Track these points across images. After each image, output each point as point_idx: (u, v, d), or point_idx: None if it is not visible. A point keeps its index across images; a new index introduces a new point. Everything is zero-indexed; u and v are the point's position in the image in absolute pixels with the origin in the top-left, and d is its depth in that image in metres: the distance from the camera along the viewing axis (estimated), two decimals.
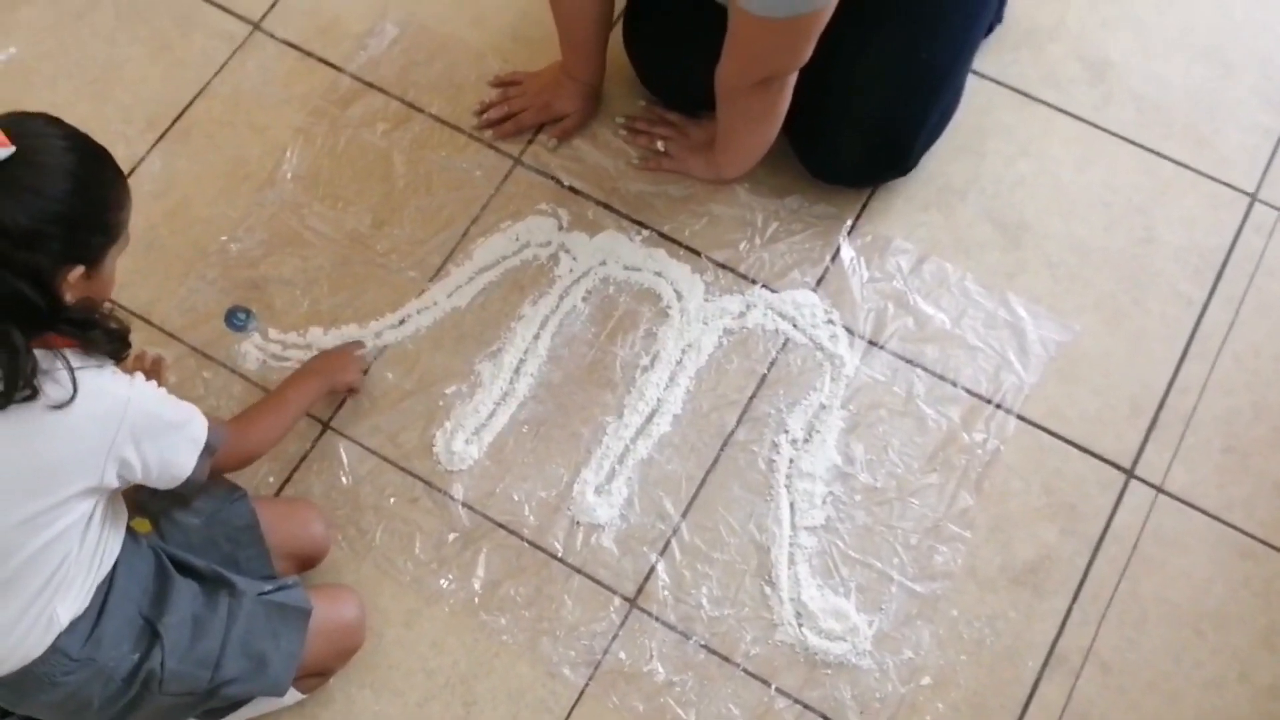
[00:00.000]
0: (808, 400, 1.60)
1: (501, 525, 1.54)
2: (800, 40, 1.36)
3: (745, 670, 1.46)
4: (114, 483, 1.15)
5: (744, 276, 1.68)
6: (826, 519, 1.53)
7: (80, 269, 1.09)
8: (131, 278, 1.68)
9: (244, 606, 1.29)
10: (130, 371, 1.18)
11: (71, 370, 1.08)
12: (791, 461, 1.56)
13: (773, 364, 1.63)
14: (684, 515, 1.54)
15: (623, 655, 1.47)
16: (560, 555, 1.52)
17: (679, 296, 1.67)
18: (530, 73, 1.79)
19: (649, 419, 1.59)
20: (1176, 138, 1.78)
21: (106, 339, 1.13)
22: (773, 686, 1.46)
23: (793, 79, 1.46)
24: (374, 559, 1.52)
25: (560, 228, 1.72)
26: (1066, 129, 1.78)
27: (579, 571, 1.52)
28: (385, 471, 1.57)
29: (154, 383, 1.18)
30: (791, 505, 1.54)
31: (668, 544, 1.53)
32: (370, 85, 1.82)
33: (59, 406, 1.07)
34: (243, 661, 1.28)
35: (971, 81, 1.77)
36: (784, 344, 1.64)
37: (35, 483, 1.10)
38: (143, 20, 1.89)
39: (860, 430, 1.58)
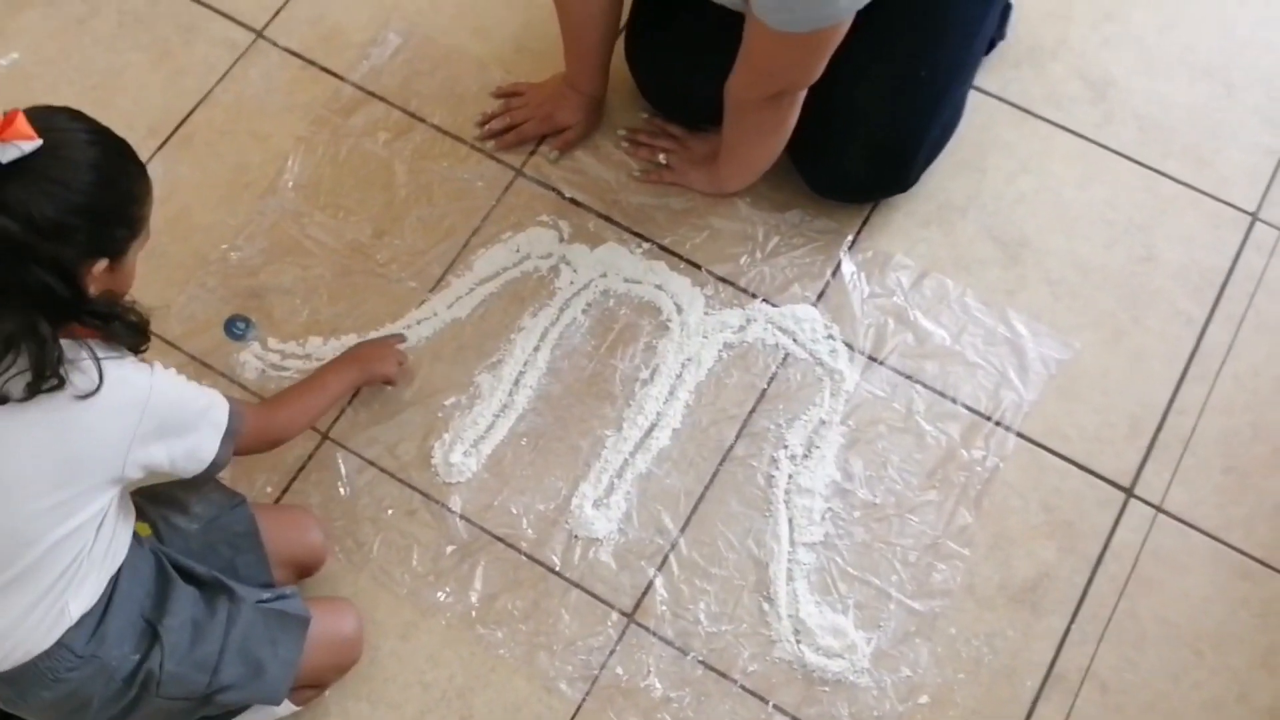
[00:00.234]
0: (807, 415, 1.60)
1: (499, 538, 1.54)
2: (817, 55, 1.36)
3: (743, 687, 1.46)
4: (136, 473, 1.16)
5: (744, 290, 1.68)
6: (825, 535, 1.53)
7: (104, 262, 1.10)
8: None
9: (243, 613, 1.29)
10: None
11: (97, 360, 1.10)
12: (790, 477, 1.56)
13: (772, 379, 1.63)
14: (682, 530, 1.54)
15: (620, 670, 1.47)
16: (558, 569, 1.52)
17: (679, 310, 1.67)
18: (533, 84, 1.79)
19: (648, 433, 1.59)
20: (1177, 156, 1.78)
21: (127, 331, 1.14)
22: (770, 703, 1.45)
23: (803, 94, 1.46)
24: (371, 571, 1.52)
25: (561, 239, 1.72)
26: (1068, 146, 1.79)
27: (577, 585, 1.51)
28: (383, 483, 1.57)
29: (172, 370, 1.19)
30: (790, 521, 1.53)
31: (666, 559, 1.52)
32: (372, 95, 1.82)
33: (85, 396, 1.09)
34: (241, 667, 1.28)
35: (973, 98, 1.77)
36: (784, 359, 1.64)
37: (61, 472, 1.11)
38: (145, 27, 1.89)
39: (860, 446, 1.58)
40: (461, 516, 1.55)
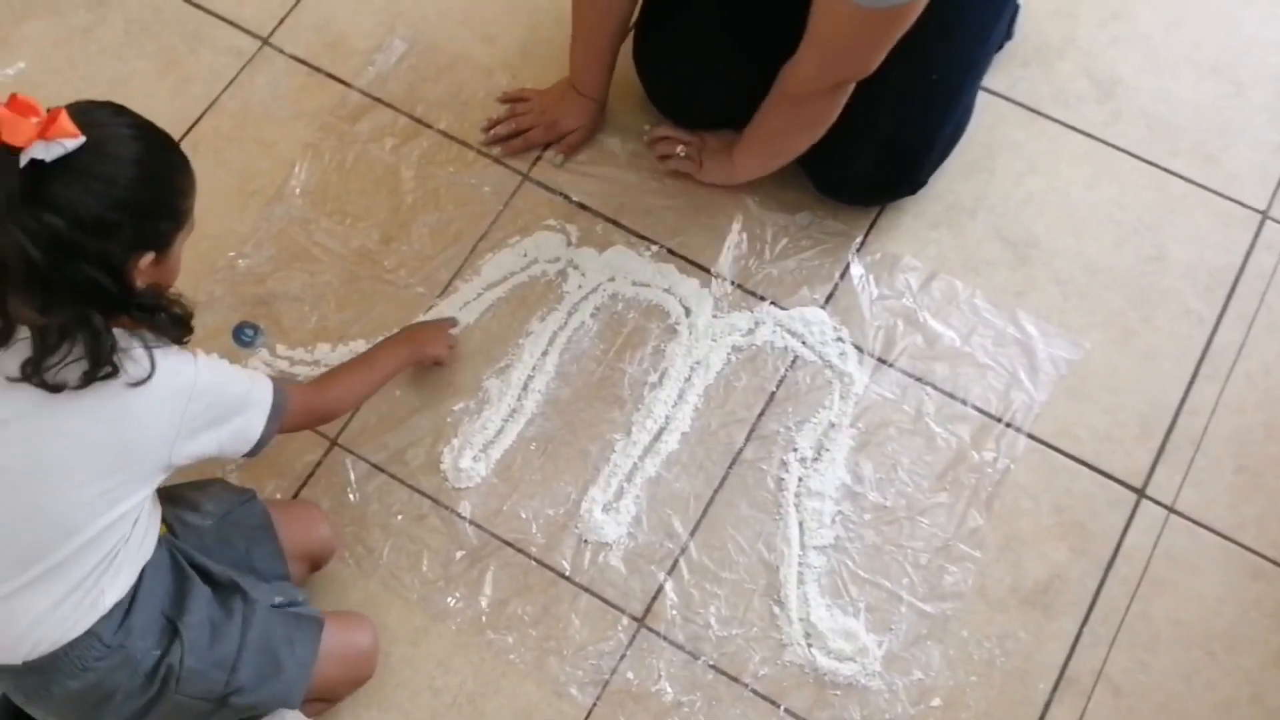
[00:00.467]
0: (817, 418, 1.59)
1: (509, 543, 1.53)
2: (891, 34, 1.34)
3: (754, 691, 1.45)
4: (184, 460, 1.18)
5: (753, 293, 1.68)
6: (835, 538, 1.52)
7: (150, 255, 1.11)
8: None
9: (258, 613, 1.29)
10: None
11: (149, 349, 1.12)
12: (800, 480, 1.55)
13: (781, 381, 1.62)
14: (692, 534, 1.53)
15: (630, 675, 1.46)
16: (568, 574, 1.52)
17: (688, 313, 1.66)
18: (537, 90, 1.79)
19: (657, 436, 1.59)
20: (1186, 155, 1.77)
21: (172, 323, 1.15)
22: (781, 707, 1.45)
23: (851, 87, 1.46)
24: (381, 576, 1.52)
25: (569, 243, 1.71)
26: (1076, 146, 1.78)
27: (586, 590, 1.51)
28: (392, 488, 1.57)
29: (214, 356, 1.20)
30: (800, 524, 1.53)
31: (676, 563, 1.52)
32: (379, 101, 1.82)
33: (138, 384, 1.11)
34: (258, 667, 1.28)
35: (981, 98, 1.76)
36: (793, 361, 1.63)
37: (111, 459, 1.13)
38: (151, 35, 1.89)
39: (869, 449, 1.58)
40: (471, 522, 1.55)
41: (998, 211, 1.73)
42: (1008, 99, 1.81)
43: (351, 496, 1.56)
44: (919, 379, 1.62)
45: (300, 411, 1.32)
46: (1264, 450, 1.58)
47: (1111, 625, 1.49)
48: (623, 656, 1.47)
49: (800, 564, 1.51)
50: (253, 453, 1.26)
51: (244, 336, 1.65)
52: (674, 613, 1.49)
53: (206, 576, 1.29)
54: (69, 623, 1.16)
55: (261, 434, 1.25)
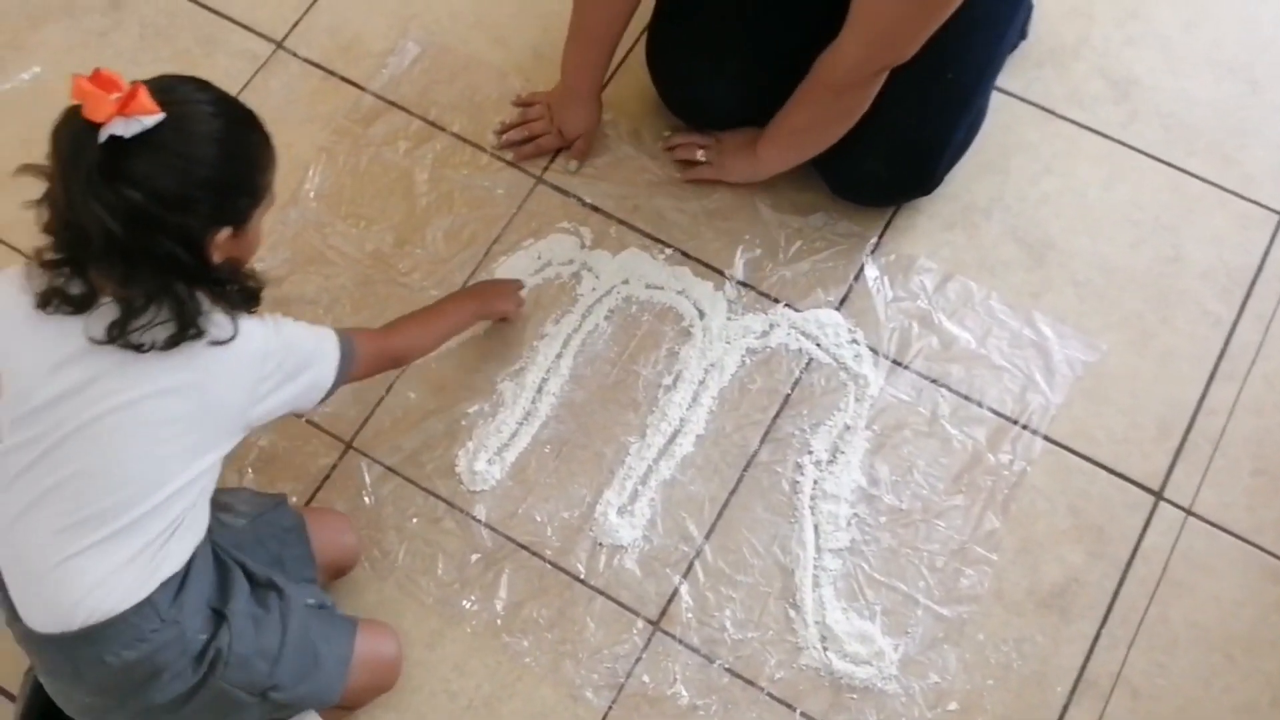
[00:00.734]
0: (832, 421, 1.59)
1: (524, 546, 1.53)
2: (938, 18, 1.34)
3: (770, 694, 1.45)
4: (259, 417, 1.21)
5: (767, 295, 1.67)
6: (851, 541, 1.52)
7: (228, 230, 1.12)
8: None
9: (294, 610, 1.30)
10: None
11: (230, 311, 1.15)
12: (816, 483, 1.55)
13: (796, 384, 1.62)
14: (707, 537, 1.53)
15: (646, 678, 1.46)
16: (583, 577, 1.52)
17: (702, 315, 1.66)
18: (547, 93, 1.78)
19: (672, 439, 1.59)
20: (1203, 155, 1.76)
21: (244, 297, 1.17)
22: (797, 711, 1.44)
23: (884, 76, 1.46)
24: (396, 579, 1.52)
25: (583, 246, 1.71)
26: (1092, 146, 1.77)
27: (602, 593, 1.51)
28: (407, 491, 1.57)
29: (279, 315, 1.23)
30: (816, 527, 1.53)
31: (691, 566, 1.52)
32: (392, 104, 1.82)
33: (222, 343, 1.13)
34: (298, 662, 1.28)
35: (995, 98, 1.76)
36: (807, 364, 1.63)
37: (193, 416, 1.15)
38: (166, 40, 1.89)
39: (885, 451, 1.57)
40: (486, 524, 1.55)
41: (1013, 212, 1.72)
42: (1022, 99, 1.80)
43: (366, 500, 1.56)
44: (934, 381, 1.61)
45: (370, 357, 1.35)
46: None
47: (1129, 628, 1.49)
48: (638, 660, 1.47)
49: (816, 567, 1.51)
50: (320, 403, 1.29)
51: None
52: (689, 616, 1.49)
53: (244, 573, 1.29)
54: (131, 587, 1.15)
55: (331, 385, 1.28)
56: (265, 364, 1.19)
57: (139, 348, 1.10)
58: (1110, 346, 1.63)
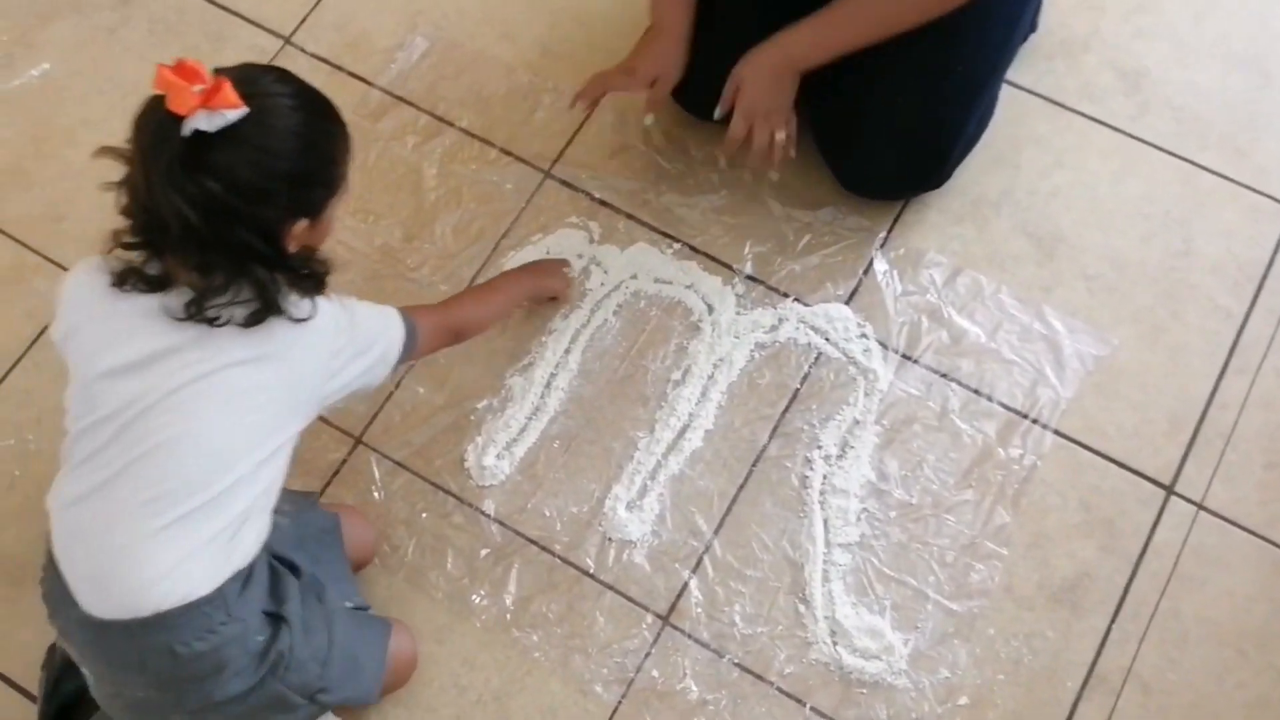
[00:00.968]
0: (841, 415, 1.59)
1: (533, 541, 1.53)
2: None
3: (779, 689, 1.45)
4: (332, 394, 1.23)
5: (776, 290, 1.67)
6: (861, 536, 1.52)
7: (305, 221, 1.14)
8: None
9: (335, 611, 1.30)
10: None
11: (303, 293, 1.16)
12: (825, 477, 1.55)
13: (805, 378, 1.61)
14: (716, 532, 1.53)
15: (655, 673, 1.46)
16: (592, 572, 1.51)
17: (710, 310, 1.66)
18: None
19: (681, 434, 1.58)
20: (1214, 148, 1.75)
21: (314, 281, 1.18)
22: (807, 705, 1.44)
23: None
24: (406, 574, 1.52)
25: (591, 241, 1.71)
26: (1102, 140, 1.76)
27: (611, 588, 1.51)
28: (417, 486, 1.57)
29: (344, 294, 1.25)
30: (825, 522, 1.52)
31: (700, 561, 1.51)
32: (400, 99, 1.82)
33: (301, 320, 1.15)
34: (342, 665, 1.28)
35: (1005, 92, 1.75)
36: (816, 358, 1.63)
37: (271, 390, 1.16)
38: (175, 36, 1.90)
39: (894, 446, 1.57)
40: (495, 519, 1.55)
41: (1023, 206, 1.72)
42: (1032, 93, 1.80)
43: (376, 494, 1.56)
44: (944, 375, 1.61)
45: (432, 332, 1.38)
46: None
47: (1140, 623, 1.48)
48: (647, 654, 1.47)
49: (825, 562, 1.50)
50: (389, 377, 1.31)
51: None
52: (698, 610, 1.49)
53: (293, 572, 1.29)
54: (206, 574, 1.15)
55: (398, 360, 1.31)
56: (338, 339, 1.21)
57: (214, 321, 1.11)
58: (1121, 341, 1.63)
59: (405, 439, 1.59)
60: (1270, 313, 1.64)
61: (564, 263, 1.67)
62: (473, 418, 1.60)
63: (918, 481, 1.55)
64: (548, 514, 1.55)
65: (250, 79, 1.07)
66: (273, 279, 1.12)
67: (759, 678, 1.46)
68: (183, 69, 1.03)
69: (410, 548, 1.53)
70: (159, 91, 1.04)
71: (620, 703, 1.45)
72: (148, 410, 1.12)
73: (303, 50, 1.87)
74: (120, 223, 1.13)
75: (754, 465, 1.57)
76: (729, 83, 1.55)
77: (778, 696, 1.45)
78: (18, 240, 1.74)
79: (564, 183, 1.76)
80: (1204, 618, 1.48)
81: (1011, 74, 1.77)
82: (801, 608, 1.48)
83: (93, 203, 1.74)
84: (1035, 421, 1.58)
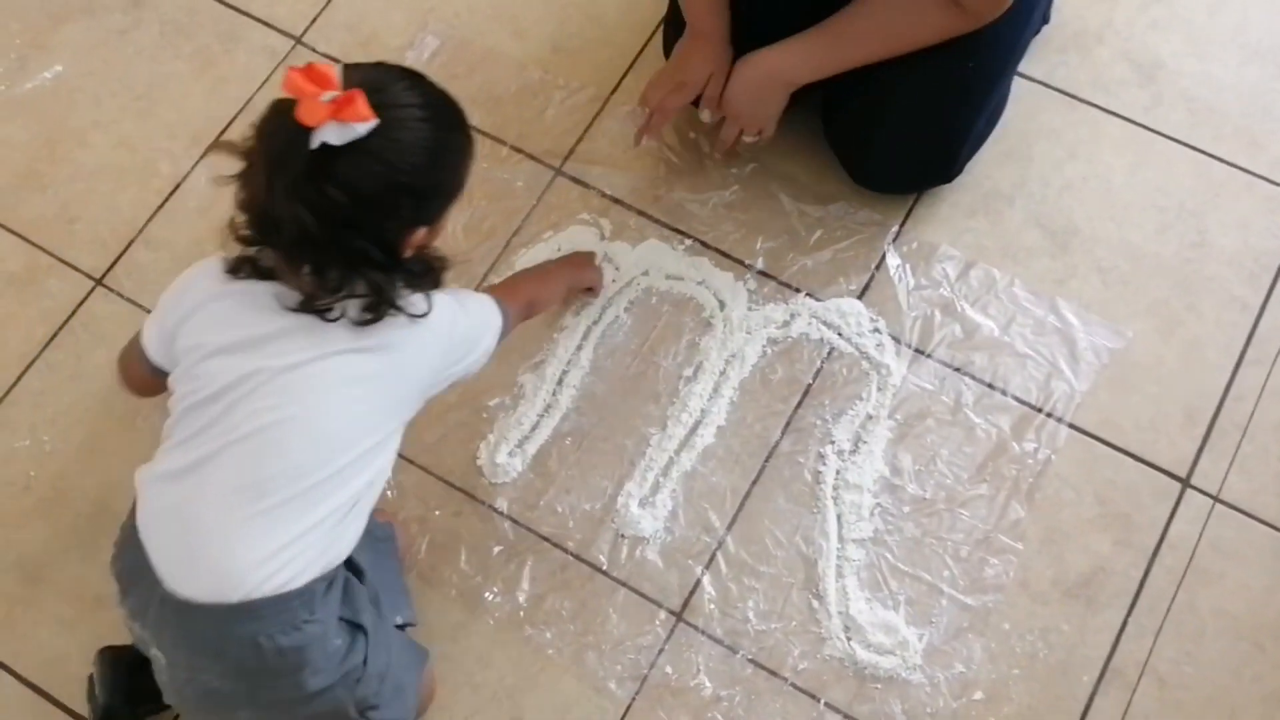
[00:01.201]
0: (854, 410, 1.58)
1: (546, 538, 1.53)
2: None
3: (794, 685, 1.45)
4: (440, 384, 1.24)
5: (788, 285, 1.66)
6: (874, 531, 1.51)
7: (424, 230, 1.14)
8: None
9: (391, 630, 1.29)
10: None
11: (418, 290, 1.17)
12: (838, 473, 1.54)
13: (818, 374, 1.61)
14: (729, 528, 1.53)
15: (669, 670, 1.46)
16: (605, 568, 1.51)
17: (722, 306, 1.65)
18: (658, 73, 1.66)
19: (693, 430, 1.58)
20: (1229, 139, 1.74)
21: (430, 278, 1.19)
22: (822, 701, 1.44)
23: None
24: (419, 571, 1.52)
25: (602, 238, 1.71)
26: (1116, 131, 1.75)
27: (624, 585, 1.50)
28: (429, 484, 1.57)
29: (454, 288, 1.25)
30: (839, 517, 1.52)
31: (713, 557, 1.51)
32: None
33: (418, 316, 1.16)
34: (393, 684, 1.26)
35: (1018, 84, 1.74)
36: (829, 353, 1.62)
37: (386, 378, 1.16)
38: (186, 37, 1.90)
39: (908, 440, 1.56)
40: (508, 517, 1.55)
41: (1037, 199, 1.71)
42: (1045, 85, 1.79)
43: (389, 493, 1.57)
44: (957, 369, 1.60)
45: (514, 316, 1.38)
46: None
47: (1156, 617, 1.47)
48: (661, 651, 1.47)
49: (839, 557, 1.50)
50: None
51: None
52: (712, 607, 1.49)
53: (357, 576, 1.27)
54: (301, 566, 1.13)
55: (495, 348, 1.31)
56: (454, 334, 1.22)
57: (325, 315, 1.11)
58: (1136, 333, 1.62)
59: (417, 437, 1.59)
60: None
61: (592, 255, 1.67)
62: (485, 415, 1.60)
63: (931, 476, 1.54)
64: (560, 511, 1.55)
65: (380, 87, 1.06)
66: (389, 280, 1.12)
67: (773, 674, 1.45)
68: (313, 73, 1.02)
69: (423, 546, 1.53)
70: (287, 95, 1.03)
71: (634, 699, 1.45)
72: (253, 392, 1.12)
73: (314, 50, 1.88)
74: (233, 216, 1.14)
75: (767, 461, 1.56)
76: (729, 85, 1.57)
77: (792, 692, 1.44)
78: (31, 242, 1.75)
79: (575, 180, 1.75)
80: (1220, 611, 1.47)
81: (1024, 66, 1.76)
82: (815, 603, 1.48)
83: (105, 204, 1.77)
84: (1049, 415, 1.57)
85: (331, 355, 1.13)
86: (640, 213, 1.72)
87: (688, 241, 1.70)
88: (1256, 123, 1.75)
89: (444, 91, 1.15)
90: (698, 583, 1.50)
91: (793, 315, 1.64)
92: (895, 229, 1.69)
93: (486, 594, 1.50)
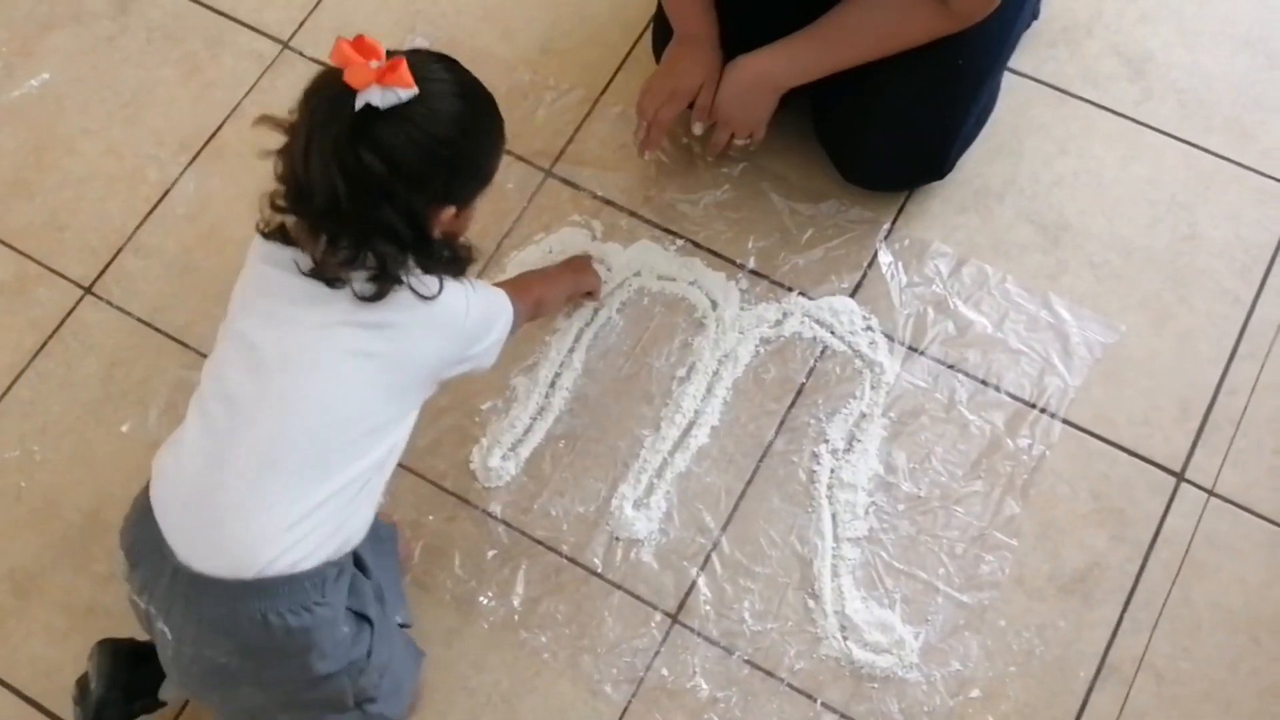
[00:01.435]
0: (847, 409, 1.58)
1: (540, 542, 1.53)
2: None
3: (790, 685, 1.44)
4: (449, 374, 1.24)
5: (780, 284, 1.66)
6: (869, 530, 1.51)
7: (452, 210, 1.16)
8: (167, 300, 1.69)
9: (393, 626, 1.29)
10: None
11: (437, 274, 1.18)
12: (832, 472, 1.54)
13: (811, 373, 1.61)
14: (724, 529, 1.52)
15: (665, 672, 1.45)
16: (599, 571, 1.51)
17: (714, 306, 1.65)
18: (648, 79, 1.65)
19: (686, 431, 1.58)
20: (1220, 131, 1.74)
21: (453, 265, 1.20)
22: (818, 701, 1.43)
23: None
24: (413, 576, 1.52)
25: (593, 239, 1.71)
26: (1106, 125, 1.75)
27: (619, 587, 1.50)
28: (422, 488, 1.57)
29: (471, 278, 1.24)
30: (833, 516, 1.52)
31: (708, 558, 1.51)
32: None
33: (428, 298, 1.16)
34: (392, 680, 1.27)
35: (1008, 80, 1.74)
36: (822, 352, 1.62)
37: (390, 357, 1.17)
38: (173, 43, 1.90)
39: (902, 438, 1.56)
40: (501, 520, 1.54)
41: (1027, 194, 1.71)
42: (1035, 80, 1.78)
43: (381, 497, 1.56)
44: (951, 366, 1.60)
45: (522, 315, 1.38)
46: None
47: (1152, 612, 1.47)
48: (657, 653, 1.47)
49: (834, 556, 1.50)
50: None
51: None
52: (707, 608, 1.48)
53: (363, 572, 1.27)
54: (310, 548, 1.14)
55: (504, 343, 1.31)
56: (465, 320, 1.21)
57: (333, 283, 1.12)
58: (1128, 327, 1.61)
59: (410, 441, 1.58)
60: (1279, 295, 1.63)
61: (589, 258, 1.66)
62: (477, 419, 1.60)
63: (926, 474, 1.54)
64: (554, 514, 1.54)
65: (420, 63, 1.10)
66: (402, 255, 1.12)
67: (769, 674, 1.45)
68: (361, 45, 1.06)
69: (417, 550, 1.53)
70: (335, 64, 1.07)
71: (630, 702, 1.44)
72: (263, 365, 1.14)
73: (301, 54, 1.87)
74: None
75: (761, 461, 1.56)
76: (719, 90, 1.57)
77: (788, 693, 1.44)
78: (19, 250, 1.74)
79: (566, 181, 1.75)
80: (1217, 605, 1.47)
81: (1014, 62, 1.76)
82: (811, 603, 1.48)
83: (93, 212, 1.77)
84: (1043, 411, 1.57)
85: (336, 326, 1.14)
86: (631, 213, 1.72)
87: (679, 242, 1.70)
88: (1247, 114, 1.75)
89: (477, 79, 1.18)
90: (693, 584, 1.50)
91: (785, 314, 1.64)
92: (887, 227, 1.69)
93: (481, 598, 1.50)
